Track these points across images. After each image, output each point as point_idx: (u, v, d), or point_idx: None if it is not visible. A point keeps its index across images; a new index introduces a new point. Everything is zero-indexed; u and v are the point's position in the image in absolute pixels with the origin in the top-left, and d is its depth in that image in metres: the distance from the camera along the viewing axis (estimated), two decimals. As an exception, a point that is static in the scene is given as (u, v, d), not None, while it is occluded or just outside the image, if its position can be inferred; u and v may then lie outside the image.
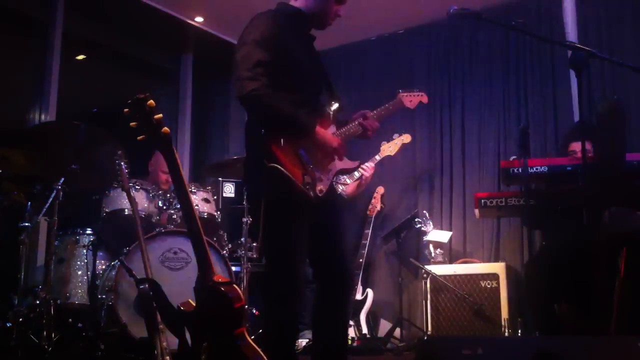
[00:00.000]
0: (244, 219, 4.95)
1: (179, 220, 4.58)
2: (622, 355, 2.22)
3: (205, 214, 4.76)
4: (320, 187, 2.86)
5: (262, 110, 2.82)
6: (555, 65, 5.85)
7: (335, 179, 3.04)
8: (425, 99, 3.75)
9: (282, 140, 2.79)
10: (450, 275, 5.30)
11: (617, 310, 3.47)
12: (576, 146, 4.81)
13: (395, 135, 5.86)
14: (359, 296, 5.70)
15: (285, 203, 2.79)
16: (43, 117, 5.87)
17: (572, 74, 5.17)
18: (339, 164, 3.02)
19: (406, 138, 5.87)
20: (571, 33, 5.82)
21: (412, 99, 3.63)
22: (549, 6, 5.98)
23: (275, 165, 2.72)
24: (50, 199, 4.15)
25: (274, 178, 2.73)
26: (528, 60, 6.02)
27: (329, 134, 2.98)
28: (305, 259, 2.90)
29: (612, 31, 5.67)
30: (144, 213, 4.57)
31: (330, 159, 2.98)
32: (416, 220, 5.86)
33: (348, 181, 5.68)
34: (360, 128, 3.12)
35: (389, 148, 5.80)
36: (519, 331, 4.89)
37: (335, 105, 3.09)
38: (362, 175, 5.69)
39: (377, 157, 5.78)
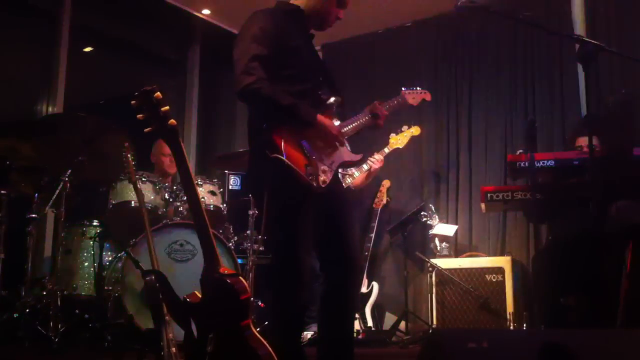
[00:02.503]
0: (250, 212, 4.96)
1: (185, 213, 4.59)
2: (629, 349, 2.21)
3: (212, 206, 4.76)
4: (323, 177, 2.85)
5: (260, 103, 2.82)
6: (563, 58, 5.82)
7: (339, 170, 3.03)
8: (428, 97, 3.67)
9: (284, 131, 2.79)
10: (455, 269, 5.31)
11: (623, 303, 3.46)
12: (582, 141, 4.79)
13: (405, 127, 5.73)
14: (364, 289, 5.70)
15: (289, 194, 2.78)
16: (51, 108, 5.89)
17: (580, 67, 5.14)
18: (343, 156, 3.00)
19: (415, 130, 5.75)
20: (579, 26, 5.79)
21: (415, 96, 3.57)
22: (557, -1, 5.95)
23: (278, 156, 2.73)
24: (58, 191, 4.15)
25: (276, 169, 2.73)
26: (536, 54, 6.00)
27: (329, 121, 2.96)
28: (309, 249, 2.89)
29: (621, 24, 5.63)
30: (150, 205, 4.58)
31: (333, 149, 2.97)
32: (422, 213, 5.85)
33: (356, 174, 5.58)
34: (370, 117, 3.11)
35: (398, 140, 5.68)
36: (524, 325, 4.89)
37: (336, 100, 3.08)
38: (370, 167, 5.59)
39: (386, 150, 5.67)
